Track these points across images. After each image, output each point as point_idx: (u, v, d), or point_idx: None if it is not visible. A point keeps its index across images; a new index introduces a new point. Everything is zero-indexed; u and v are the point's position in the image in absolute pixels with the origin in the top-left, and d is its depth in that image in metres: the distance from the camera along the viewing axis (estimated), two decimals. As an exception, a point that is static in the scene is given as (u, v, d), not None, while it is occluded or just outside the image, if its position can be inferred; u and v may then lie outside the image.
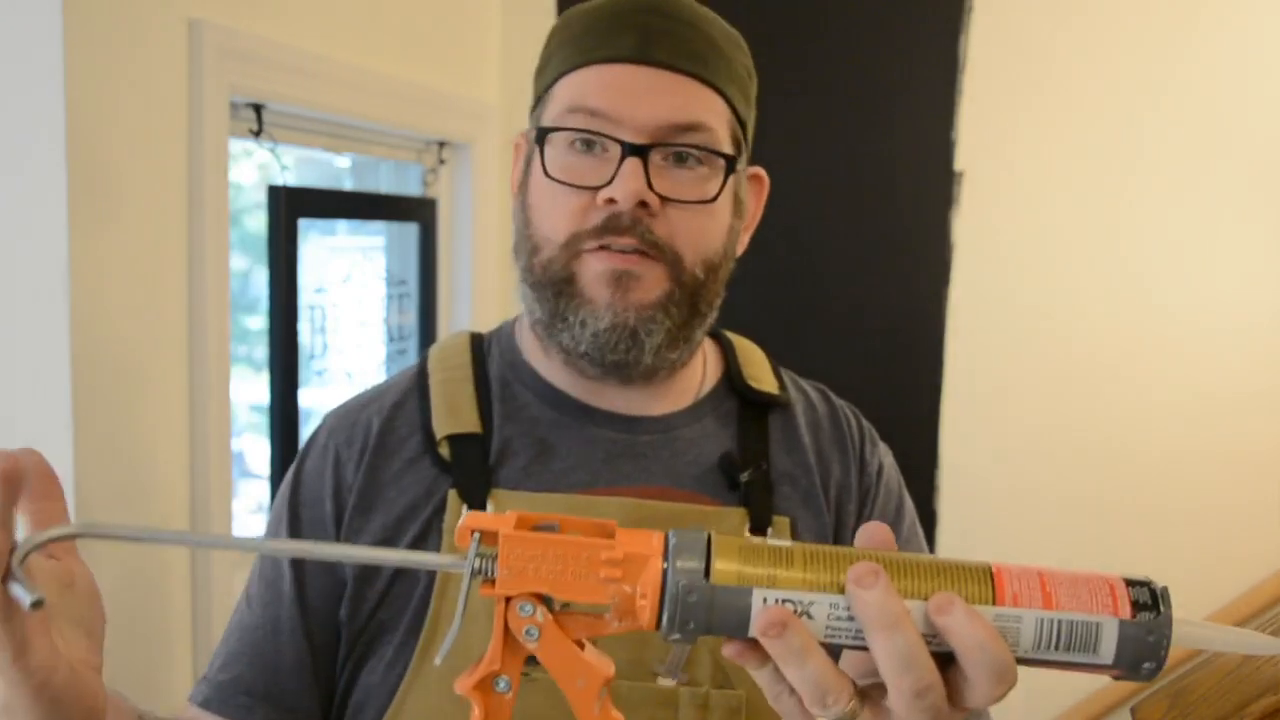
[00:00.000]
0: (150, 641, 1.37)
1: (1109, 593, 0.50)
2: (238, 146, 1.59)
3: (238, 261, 1.69)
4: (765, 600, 0.49)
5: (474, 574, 0.51)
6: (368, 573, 0.83)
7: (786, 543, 0.51)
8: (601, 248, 0.80)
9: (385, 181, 2.14)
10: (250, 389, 1.78)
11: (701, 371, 0.94)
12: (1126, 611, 0.50)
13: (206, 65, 1.40)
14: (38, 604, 0.49)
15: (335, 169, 2.10)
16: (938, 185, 2.24)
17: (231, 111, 1.49)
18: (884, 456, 0.97)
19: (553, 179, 0.81)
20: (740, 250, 0.91)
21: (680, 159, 0.81)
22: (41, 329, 1.19)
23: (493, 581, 0.51)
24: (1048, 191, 2.22)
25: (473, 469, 0.84)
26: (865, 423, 0.98)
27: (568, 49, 0.84)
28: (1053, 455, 2.25)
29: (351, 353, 2.02)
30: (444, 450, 0.85)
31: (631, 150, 0.79)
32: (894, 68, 2.26)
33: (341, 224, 2.08)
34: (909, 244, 2.28)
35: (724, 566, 0.50)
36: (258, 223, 1.74)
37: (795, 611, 0.49)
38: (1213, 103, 2.16)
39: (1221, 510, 2.20)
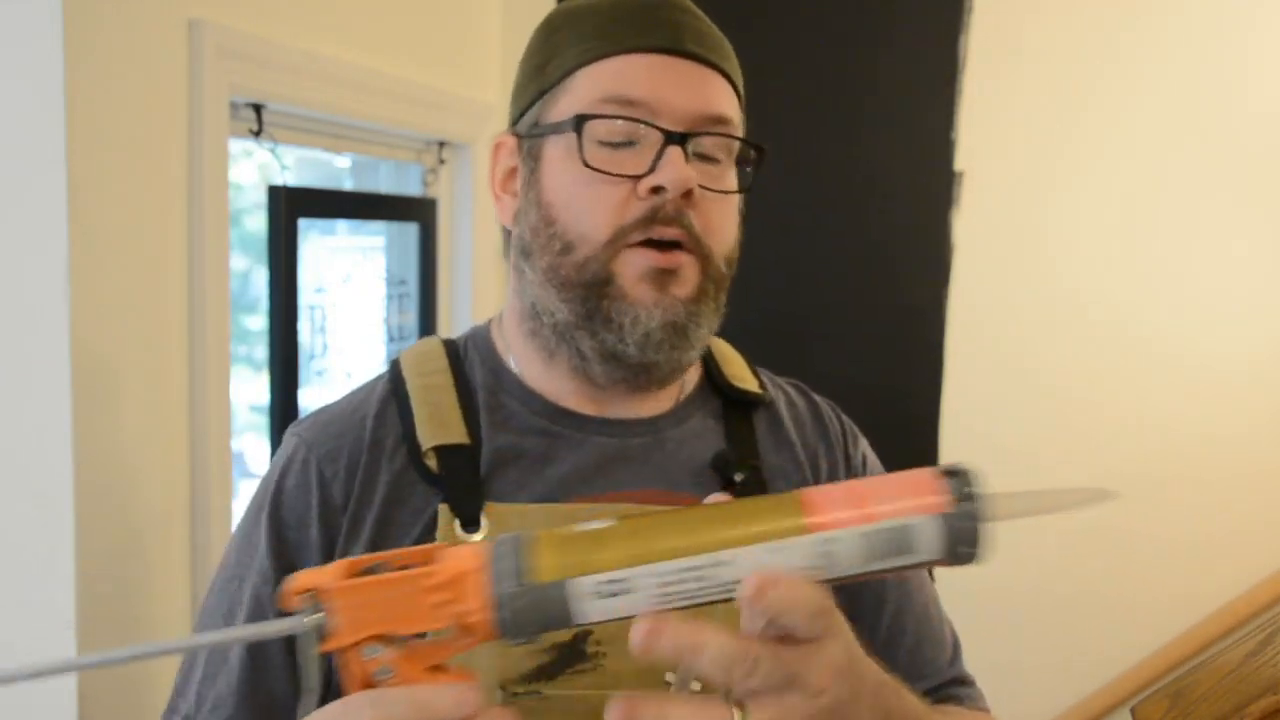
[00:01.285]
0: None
1: (922, 490, 0.51)
2: (238, 146, 1.59)
3: (238, 261, 1.69)
4: (587, 588, 0.50)
5: (319, 634, 0.51)
6: None
7: (605, 523, 0.52)
8: (646, 241, 0.78)
9: (385, 181, 2.14)
10: (250, 389, 1.77)
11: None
12: (942, 505, 0.50)
13: (206, 65, 1.40)
14: None
15: (335, 169, 2.09)
16: (938, 185, 2.24)
17: (231, 111, 1.49)
18: (866, 450, 0.96)
19: (593, 169, 0.78)
20: None
21: (704, 155, 0.81)
22: (41, 329, 1.19)
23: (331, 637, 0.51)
24: (1048, 191, 2.22)
25: (464, 482, 0.79)
26: (844, 417, 0.98)
27: (588, 41, 0.81)
28: (1053, 454, 2.25)
29: (351, 353, 2.02)
30: (431, 462, 0.80)
31: (673, 139, 0.78)
32: (894, 68, 2.26)
33: (341, 224, 2.07)
34: (909, 244, 2.28)
35: (542, 563, 0.50)
36: (258, 223, 1.74)
37: (616, 590, 0.49)
38: (1213, 101, 2.16)
39: (1222, 509, 2.20)
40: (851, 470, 0.93)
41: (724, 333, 0.97)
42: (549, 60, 0.83)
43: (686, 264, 0.80)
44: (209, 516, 1.43)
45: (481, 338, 0.91)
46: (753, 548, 0.50)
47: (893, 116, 2.26)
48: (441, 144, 2.11)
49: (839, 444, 0.94)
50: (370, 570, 0.53)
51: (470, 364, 0.88)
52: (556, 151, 0.81)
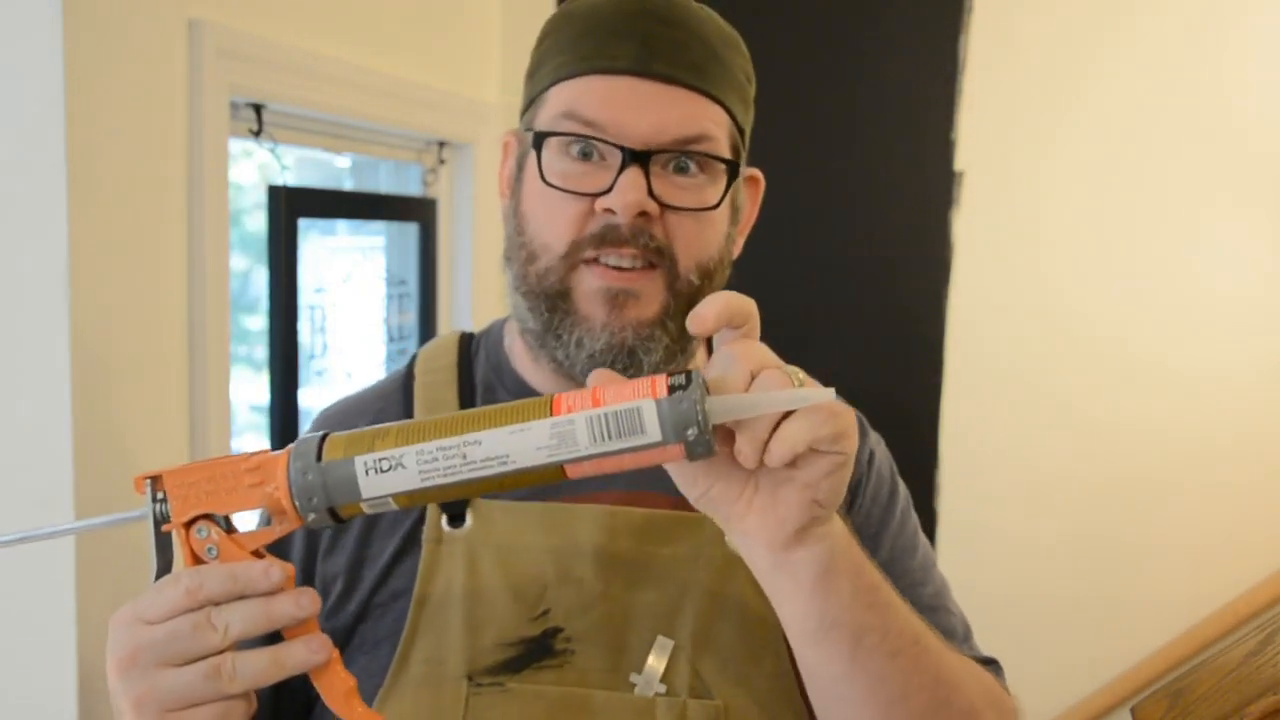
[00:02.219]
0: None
1: (650, 385, 0.59)
2: (238, 146, 1.59)
3: (238, 261, 1.69)
4: (365, 464, 0.59)
5: (157, 520, 0.60)
6: (349, 587, 0.83)
7: (388, 425, 0.61)
8: (598, 260, 0.78)
9: (385, 181, 2.14)
10: (250, 389, 1.78)
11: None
12: (663, 393, 0.58)
13: (206, 65, 1.40)
14: None
15: (335, 169, 2.09)
16: (938, 185, 2.24)
17: (231, 111, 1.49)
18: (875, 445, 0.95)
19: (550, 185, 0.79)
20: (735, 254, 0.89)
21: (680, 168, 0.79)
22: (41, 328, 1.19)
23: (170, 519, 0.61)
24: (1048, 191, 2.22)
25: None
26: (865, 422, 0.95)
27: (564, 54, 0.81)
28: (1053, 454, 2.25)
29: (351, 353, 2.02)
30: None
31: (632, 157, 0.77)
32: (894, 68, 2.26)
33: (341, 224, 2.07)
34: (909, 244, 2.28)
35: (331, 449, 0.60)
36: (258, 223, 1.74)
37: (388, 466, 0.59)
38: (1212, 101, 2.16)
39: (1222, 509, 2.20)
40: (855, 466, 0.91)
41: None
42: (539, 67, 0.85)
43: (647, 284, 0.79)
44: (209, 516, 1.43)
45: (494, 333, 0.93)
46: (497, 430, 0.58)
47: (893, 116, 2.26)
48: (441, 144, 2.11)
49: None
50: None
51: (477, 359, 0.91)
52: (531, 162, 0.82)
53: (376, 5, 1.83)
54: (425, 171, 2.13)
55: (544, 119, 0.82)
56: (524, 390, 0.88)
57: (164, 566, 0.61)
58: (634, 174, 0.77)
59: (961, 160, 2.23)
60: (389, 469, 0.59)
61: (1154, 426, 2.21)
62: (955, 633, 0.91)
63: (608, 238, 0.78)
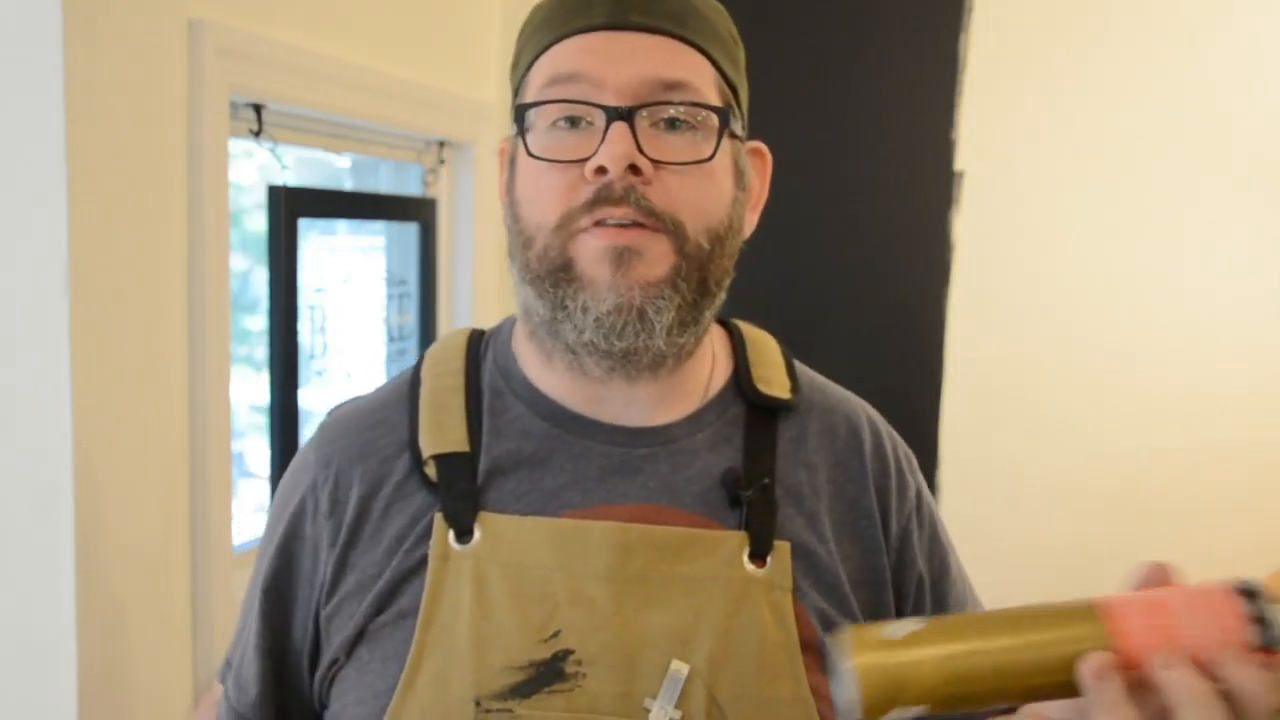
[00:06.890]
0: (151, 640, 1.37)
1: (1229, 614, 0.55)
2: (238, 146, 1.59)
3: (238, 261, 1.69)
4: None
5: None
6: (358, 604, 0.81)
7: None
8: (597, 224, 0.75)
9: (385, 181, 2.14)
10: (250, 389, 1.77)
11: (710, 369, 0.86)
12: (1254, 637, 0.54)
13: (206, 65, 1.40)
14: None
15: (335, 169, 2.09)
16: (938, 185, 2.24)
17: (231, 111, 1.49)
18: (921, 482, 0.92)
19: (538, 158, 0.77)
20: (748, 230, 0.85)
21: (671, 125, 0.76)
22: (42, 328, 1.19)
23: None
24: (1048, 191, 2.22)
25: (459, 491, 0.80)
26: (897, 438, 0.92)
27: (540, 32, 0.80)
28: (1053, 454, 2.25)
29: (351, 353, 2.02)
30: (430, 471, 0.81)
31: (616, 115, 0.74)
32: (894, 68, 2.26)
33: (341, 224, 2.07)
34: (909, 244, 2.28)
35: None
36: (258, 223, 1.74)
37: None
38: (1212, 102, 2.16)
39: (1222, 507, 2.20)
40: (904, 502, 0.89)
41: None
42: (518, 57, 0.84)
43: (652, 243, 0.75)
44: (209, 516, 1.43)
45: (504, 335, 0.89)
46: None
47: (893, 116, 2.26)
48: (441, 144, 2.11)
49: (879, 466, 0.89)
50: None
51: (485, 362, 0.88)
52: (521, 150, 0.79)
53: (376, 5, 1.84)
54: (425, 171, 2.13)
55: (529, 95, 0.80)
56: (535, 396, 0.84)
57: None
58: (620, 129, 0.74)
59: (961, 160, 2.23)
60: None
61: (1155, 424, 2.21)
62: None
63: (601, 199, 0.75)
